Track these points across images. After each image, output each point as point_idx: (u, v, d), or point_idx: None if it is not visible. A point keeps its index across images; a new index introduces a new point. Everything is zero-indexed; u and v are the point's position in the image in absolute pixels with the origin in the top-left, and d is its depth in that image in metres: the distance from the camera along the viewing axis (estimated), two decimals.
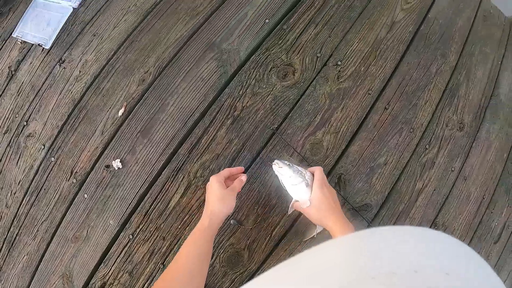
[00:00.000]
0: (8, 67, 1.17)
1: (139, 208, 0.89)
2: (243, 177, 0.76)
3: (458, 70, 1.11)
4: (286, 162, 0.74)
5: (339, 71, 0.96)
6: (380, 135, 0.95)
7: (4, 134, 1.14)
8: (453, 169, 1.04)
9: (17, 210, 1.09)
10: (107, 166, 0.94)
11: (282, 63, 0.92)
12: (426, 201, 0.99)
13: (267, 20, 0.94)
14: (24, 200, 1.08)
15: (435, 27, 1.12)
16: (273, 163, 0.75)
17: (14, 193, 1.12)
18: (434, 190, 1.00)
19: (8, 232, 1.11)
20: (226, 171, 0.76)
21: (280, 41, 0.93)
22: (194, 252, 0.63)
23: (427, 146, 1.01)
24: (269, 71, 0.91)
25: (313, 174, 0.73)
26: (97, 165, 0.95)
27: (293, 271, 0.17)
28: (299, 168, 0.73)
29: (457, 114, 1.08)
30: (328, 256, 0.17)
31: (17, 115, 1.12)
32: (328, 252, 0.17)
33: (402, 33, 1.06)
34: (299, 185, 0.70)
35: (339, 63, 0.97)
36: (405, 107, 1.00)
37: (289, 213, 0.76)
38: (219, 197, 0.69)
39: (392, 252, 0.15)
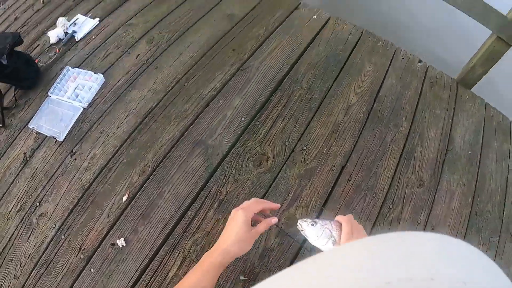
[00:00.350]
0: (24, 153, 1.36)
1: (140, 281, 1.06)
2: (273, 220, 0.69)
3: (412, 135, 1.31)
4: (308, 220, 0.68)
5: (305, 154, 1.21)
6: (346, 203, 1.15)
7: (17, 212, 1.31)
8: (419, 221, 1.13)
9: (25, 281, 1.22)
10: (112, 244, 1.12)
11: (257, 153, 1.16)
12: None
13: (242, 119, 1.19)
14: (32, 272, 1.21)
15: (386, 103, 1.38)
16: (296, 224, 0.69)
17: (23, 266, 1.25)
18: None
19: None
20: (258, 205, 0.68)
21: (254, 135, 1.18)
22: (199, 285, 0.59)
23: (390, 206, 1.18)
24: (247, 161, 1.14)
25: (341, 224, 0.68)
26: (103, 243, 1.13)
27: (305, 275, 0.17)
28: (324, 221, 0.68)
29: (415, 173, 1.25)
30: (342, 260, 0.17)
31: (30, 196, 1.30)
32: (342, 255, 0.17)
33: (357, 114, 1.33)
34: (327, 245, 0.66)
35: (305, 148, 1.22)
36: (366, 176, 1.20)
37: None
38: (240, 238, 0.63)
39: (409, 258, 0.15)
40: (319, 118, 1.27)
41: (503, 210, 1.28)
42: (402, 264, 0.15)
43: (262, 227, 0.67)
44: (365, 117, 1.31)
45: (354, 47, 1.46)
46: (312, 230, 0.67)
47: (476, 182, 1.29)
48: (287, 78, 1.31)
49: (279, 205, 0.73)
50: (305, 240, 0.70)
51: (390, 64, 1.46)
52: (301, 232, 0.69)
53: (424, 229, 1.15)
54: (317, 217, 0.69)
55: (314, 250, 0.75)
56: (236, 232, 0.64)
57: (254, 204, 0.68)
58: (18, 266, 1.26)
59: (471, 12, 1.31)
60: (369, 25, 1.60)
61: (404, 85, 1.44)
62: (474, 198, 1.25)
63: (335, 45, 1.44)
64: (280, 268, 1.08)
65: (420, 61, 1.54)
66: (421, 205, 1.19)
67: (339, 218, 0.68)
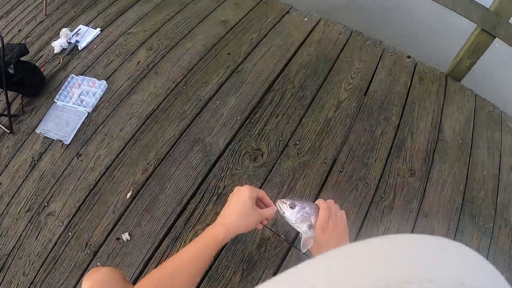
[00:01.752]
0: (32, 157, 1.43)
1: (144, 272, 1.11)
2: (274, 209, 0.68)
3: (402, 127, 1.36)
4: (288, 202, 0.66)
5: (298, 149, 1.27)
6: (339, 193, 1.20)
7: (26, 212, 1.37)
8: (411, 209, 1.16)
9: (34, 278, 1.27)
10: (118, 239, 1.17)
11: (252, 149, 1.22)
12: None
13: (238, 117, 1.26)
14: (41, 269, 1.27)
15: (375, 98, 1.43)
16: (276, 203, 0.68)
17: (32, 263, 1.31)
18: (398, 230, 1.12)
19: None
20: (263, 193, 0.67)
21: (250, 132, 1.24)
22: (198, 260, 0.57)
23: (382, 195, 1.22)
24: (243, 156, 1.20)
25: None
26: (109, 238, 1.18)
27: (304, 278, 0.17)
28: (303, 204, 0.66)
29: (406, 164, 1.29)
30: (340, 262, 0.17)
31: (38, 197, 1.36)
32: (340, 258, 0.17)
33: (348, 109, 1.39)
34: (303, 229, 0.66)
35: (298, 142, 1.28)
36: (357, 167, 1.25)
37: (302, 251, 0.67)
38: (244, 212, 0.62)
39: (407, 260, 0.15)
40: (311, 114, 1.34)
41: (497, 197, 1.30)
42: (400, 266, 0.15)
43: (266, 212, 0.66)
44: (355, 112, 1.37)
45: (344, 46, 1.53)
46: (290, 213, 0.65)
47: (468, 170, 1.32)
48: (279, 78, 1.38)
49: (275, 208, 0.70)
50: (294, 240, 0.73)
51: (379, 61, 1.53)
52: (280, 213, 0.68)
53: (417, 217, 1.18)
54: (298, 199, 0.68)
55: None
56: (241, 206, 0.62)
57: (260, 190, 0.67)
58: (27, 264, 1.32)
59: (455, 6, 1.36)
60: (358, 25, 1.68)
61: (393, 80, 1.50)
62: (466, 186, 1.28)
63: (325, 45, 1.51)
64: (277, 256, 1.15)
65: (408, 56, 1.60)
66: (413, 193, 1.22)
67: (319, 202, 0.67)
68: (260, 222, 0.67)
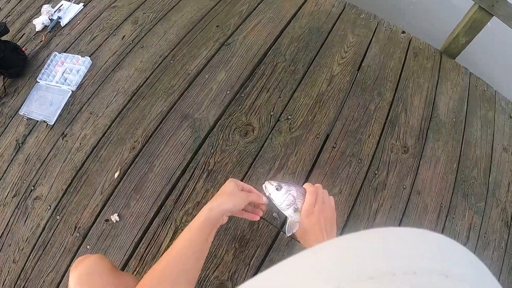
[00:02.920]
0: (16, 140, 1.34)
1: (135, 254, 1.05)
2: (264, 199, 0.68)
3: (395, 103, 1.31)
4: (274, 184, 0.65)
5: (290, 123, 1.20)
6: (332, 170, 1.15)
7: (13, 197, 1.29)
8: (404, 186, 1.13)
9: (24, 265, 1.21)
10: (107, 220, 1.11)
11: (243, 124, 1.15)
12: (384, 218, 1.07)
13: (228, 92, 1.18)
14: (31, 255, 1.21)
15: (369, 72, 1.36)
16: (262, 186, 0.67)
17: (22, 250, 1.25)
18: (391, 207, 1.12)
19: (15, 286, 1.23)
20: (249, 187, 0.68)
21: (240, 107, 1.17)
22: (189, 247, 0.55)
23: (376, 172, 1.18)
24: (233, 132, 1.13)
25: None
26: (98, 220, 1.12)
27: (288, 273, 0.17)
28: (290, 187, 0.64)
29: (400, 140, 1.24)
30: (325, 256, 0.17)
31: (24, 181, 1.28)
32: (325, 252, 0.17)
33: (341, 84, 1.32)
34: (288, 212, 0.64)
35: (290, 117, 1.21)
36: (350, 143, 1.19)
37: (287, 234, 0.65)
38: (228, 193, 0.62)
39: (391, 253, 0.15)
40: (303, 89, 1.26)
41: (489, 176, 1.28)
42: (384, 259, 0.15)
43: (253, 197, 0.66)
44: (348, 86, 1.30)
45: (337, 19, 1.43)
46: (276, 194, 0.64)
47: (461, 148, 1.29)
48: (270, 51, 1.29)
49: (267, 201, 0.69)
50: (283, 223, 0.69)
51: (373, 35, 1.44)
52: (267, 195, 0.67)
53: (410, 194, 1.15)
54: (286, 182, 0.67)
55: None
56: (226, 190, 0.63)
57: (245, 184, 0.69)
58: (17, 250, 1.26)
59: None
60: None
61: (387, 55, 1.43)
62: (459, 164, 1.26)
63: (317, 18, 1.41)
64: (270, 235, 1.09)
65: (403, 32, 1.52)
66: (406, 170, 1.19)
67: (306, 186, 0.65)
68: (257, 215, 0.69)
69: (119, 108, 1.18)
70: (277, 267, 0.17)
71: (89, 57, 1.32)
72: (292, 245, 1.01)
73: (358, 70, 1.34)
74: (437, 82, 1.43)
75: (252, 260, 1.03)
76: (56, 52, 1.37)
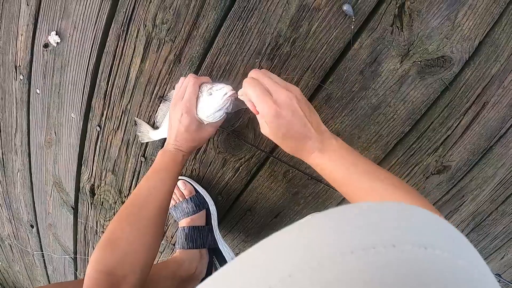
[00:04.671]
0: None
1: (95, 90, 0.62)
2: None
3: None
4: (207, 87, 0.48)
5: None
6: None
7: None
8: None
9: None
10: (45, 46, 0.65)
11: None
12: None
13: None
14: None
15: None
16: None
17: None
18: None
19: None
20: (207, 79, 0.50)
21: None
22: (159, 192, 0.46)
23: None
24: None
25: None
26: (35, 48, 0.66)
27: (268, 250, 0.15)
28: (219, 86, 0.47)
29: None
30: (305, 232, 0.16)
31: None
32: (305, 229, 0.16)
33: None
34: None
35: None
36: None
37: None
38: (194, 127, 0.47)
39: (370, 227, 0.15)
40: None
41: None
42: (363, 233, 0.14)
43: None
44: None
45: None
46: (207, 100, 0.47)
47: None
48: None
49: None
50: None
51: None
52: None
53: None
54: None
55: None
56: (190, 117, 0.47)
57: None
58: None
59: None
60: None
61: None
62: None
63: None
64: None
65: None
66: None
67: (250, 74, 0.43)
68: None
69: None
70: (252, 250, 0.16)
71: None
72: None
73: None
74: None
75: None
76: None
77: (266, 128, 0.40)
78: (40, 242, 0.99)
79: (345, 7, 0.48)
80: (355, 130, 0.55)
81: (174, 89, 0.52)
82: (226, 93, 0.45)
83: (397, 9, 0.48)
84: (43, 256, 1.02)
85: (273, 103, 0.38)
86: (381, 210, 0.16)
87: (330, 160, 0.38)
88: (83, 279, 0.40)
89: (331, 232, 0.15)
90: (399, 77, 0.52)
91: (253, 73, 0.42)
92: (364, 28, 0.49)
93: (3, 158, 0.91)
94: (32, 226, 0.97)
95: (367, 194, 0.36)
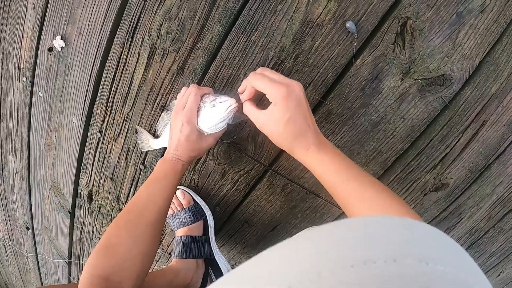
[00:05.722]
0: None
1: (98, 96, 0.62)
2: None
3: None
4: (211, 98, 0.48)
5: None
6: None
7: None
8: None
9: None
10: (50, 50, 0.65)
11: None
12: None
13: None
14: None
15: None
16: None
17: None
18: None
19: None
20: (209, 90, 0.49)
21: None
22: (158, 200, 0.45)
23: None
24: None
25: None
26: (39, 51, 0.66)
27: (268, 262, 0.15)
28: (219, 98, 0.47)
29: None
30: (306, 245, 0.15)
31: None
32: (306, 241, 0.16)
33: None
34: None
35: None
36: None
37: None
38: (195, 137, 0.47)
39: (371, 241, 0.14)
40: None
41: None
42: (365, 247, 0.14)
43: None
44: None
45: None
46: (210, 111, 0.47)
47: None
48: None
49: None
50: None
51: None
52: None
53: None
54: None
55: None
56: (192, 128, 0.47)
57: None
58: None
59: None
60: None
61: None
62: None
63: None
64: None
65: None
66: None
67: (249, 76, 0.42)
68: None
69: None
70: (252, 261, 0.16)
71: None
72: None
73: None
74: None
75: None
76: None
77: (272, 112, 0.39)
78: (35, 244, 0.98)
79: (348, 24, 0.48)
80: (354, 146, 0.55)
81: (176, 99, 0.52)
82: (230, 106, 0.45)
83: (399, 28, 0.49)
84: (37, 259, 1.00)
85: (284, 85, 0.38)
86: (382, 224, 0.16)
87: (326, 157, 0.38)
88: (77, 283, 0.39)
89: (332, 245, 0.15)
90: (399, 95, 0.52)
91: (258, 70, 0.42)
92: (367, 45, 0.49)
93: (2, 159, 0.91)
94: (27, 228, 0.96)
95: (358, 197, 0.36)
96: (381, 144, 0.55)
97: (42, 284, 1.07)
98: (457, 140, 0.56)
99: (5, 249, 1.16)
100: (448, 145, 0.56)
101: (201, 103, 0.47)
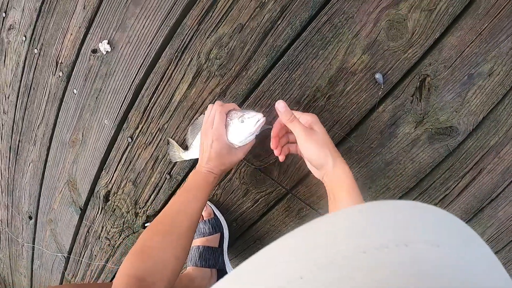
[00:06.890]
0: None
1: (136, 104, 0.65)
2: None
3: None
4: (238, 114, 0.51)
5: None
6: (492, 30, 0.53)
7: None
8: None
9: (14, 116, 0.91)
10: (94, 51, 0.68)
11: None
12: None
13: None
14: (18, 103, 0.89)
15: None
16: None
17: (8, 97, 0.93)
18: None
19: (11, 140, 0.97)
20: (233, 106, 0.53)
21: None
22: (191, 207, 0.49)
23: None
24: None
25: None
26: (82, 50, 0.70)
27: (282, 248, 0.16)
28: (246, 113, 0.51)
29: None
30: (318, 232, 0.16)
31: None
32: (318, 228, 0.16)
33: None
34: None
35: None
36: None
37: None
38: (225, 152, 0.50)
39: (383, 226, 0.14)
40: None
41: None
42: (376, 232, 0.14)
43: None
44: None
45: None
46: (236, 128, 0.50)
47: None
48: None
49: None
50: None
51: None
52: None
53: None
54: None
55: None
56: (224, 141, 0.51)
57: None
58: (4, 98, 0.95)
59: None
60: None
61: None
62: None
63: None
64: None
65: None
66: None
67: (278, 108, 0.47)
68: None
69: None
70: (268, 248, 0.16)
71: None
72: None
73: None
74: None
75: None
76: None
77: (316, 134, 0.46)
78: (34, 235, 0.97)
79: (377, 76, 0.55)
80: (367, 181, 0.60)
81: (203, 114, 0.56)
82: (258, 120, 0.49)
83: (419, 83, 0.55)
84: (33, 249, 0.99)
85: (310, 114, 0.47)
86: (394, 208, 0.16)
87: (345, 174, 0.44)
88: (111, 283, 0.41)
89: (344, 231, 0.15)
90: (411, 140, 0.58)
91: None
92: (389, 95, 0.55)
93: (18, 146, 0.91)
94: (30, 218, 0.95)
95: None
96: (391, 181, 0.61)
97: (32, 275, 1.04)
98: (456, 183, 0.62)
99: None
100: (448, 187, 0.63)
101: (228, 119, 0.50)
